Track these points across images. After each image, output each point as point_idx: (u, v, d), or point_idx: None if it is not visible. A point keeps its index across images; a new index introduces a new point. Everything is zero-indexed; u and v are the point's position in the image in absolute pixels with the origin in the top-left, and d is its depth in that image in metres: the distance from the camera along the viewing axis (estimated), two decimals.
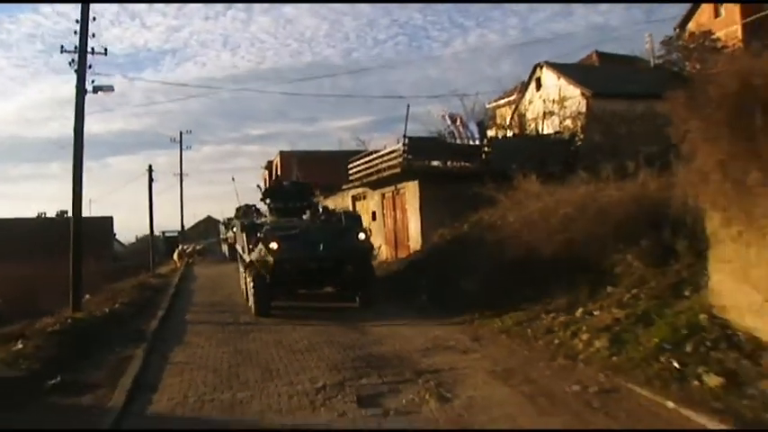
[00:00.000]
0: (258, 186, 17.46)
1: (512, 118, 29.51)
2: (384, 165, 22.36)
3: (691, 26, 35.06)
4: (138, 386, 8.32)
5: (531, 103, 27.72)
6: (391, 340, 10.32)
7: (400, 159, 20.79)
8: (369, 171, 24.12)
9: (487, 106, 34.05)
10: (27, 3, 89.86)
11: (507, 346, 9.46)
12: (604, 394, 6.74)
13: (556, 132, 24.07)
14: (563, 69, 27.19)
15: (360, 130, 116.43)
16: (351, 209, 25.62)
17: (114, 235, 56.72)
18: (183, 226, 48.65)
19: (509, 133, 28.24)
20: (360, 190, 26.16)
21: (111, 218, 53.51)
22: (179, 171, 46.35)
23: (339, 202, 28.16)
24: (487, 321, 11.05)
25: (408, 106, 32.48)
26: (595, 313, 9.66)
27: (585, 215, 12.67)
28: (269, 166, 51.55)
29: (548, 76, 27.34)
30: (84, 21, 15.16)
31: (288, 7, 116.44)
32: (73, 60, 15.14)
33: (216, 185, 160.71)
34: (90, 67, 15.27)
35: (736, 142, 7.49)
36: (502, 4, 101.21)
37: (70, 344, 10.99)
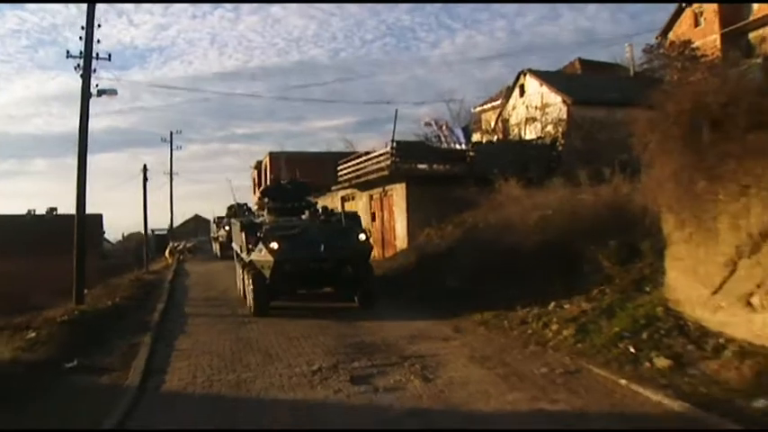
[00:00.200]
0: (255, 185, 17.62)
1: (496, 123, 30.51)
2: (372, 167, 23.26)
3: (671, 35, 36.30)
4: (150, 369, 9.16)
5: (514, 108, 28.73)
6: (380, 331, 11.17)
7: (388, 162, 21.70)
8: (357, 173, 25.02)
9: (473, 111, 35.07)
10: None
11: (485, 335, 10.38)
12: (568, 374, 7.69)
13: (538, 138, 25.10)
14: (545, 77, 28.24)
15: (346, 129, 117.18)
16: (339, 209, 26.47)
17: (104, 233, 57.12)
18: (172, 224, 49.24)
19: (494, 138, 29.26)
20: (348, 191, 27.04)
21: (101, 215, 53.85)
22: (167, 170, 46.82)
23: (328, 202, 28.93)
24: (468, 314, 11.94)
25: (396, 111, 33.36)
26: (566, 306, 10.64)
27: (560, 217, 13.71)
28: (258, 165, 52.27)
29: (531, 83, 28.36)
30: (89, 26, 15.89)
31: (276, 7, 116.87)
32: (78, 65, 15.79)
33: (202, 184, 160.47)
34: (95, 71, 16.00)
35: (688, 155, 8.49)
36: (489, 6, 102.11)
37: (80, 333, 11.81)
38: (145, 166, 33.30)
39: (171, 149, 45.76)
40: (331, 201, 29.13)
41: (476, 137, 29.46)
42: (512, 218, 15.19)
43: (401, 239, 21.70)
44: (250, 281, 13.84)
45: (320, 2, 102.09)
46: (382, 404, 7.05)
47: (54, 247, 41.48)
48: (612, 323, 9.19)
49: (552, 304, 10.93)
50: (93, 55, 16.07)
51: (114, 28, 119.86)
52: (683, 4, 36.40)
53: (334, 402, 7.22)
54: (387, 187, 22.94)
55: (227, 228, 29.06)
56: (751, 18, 33.28)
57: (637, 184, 11.60)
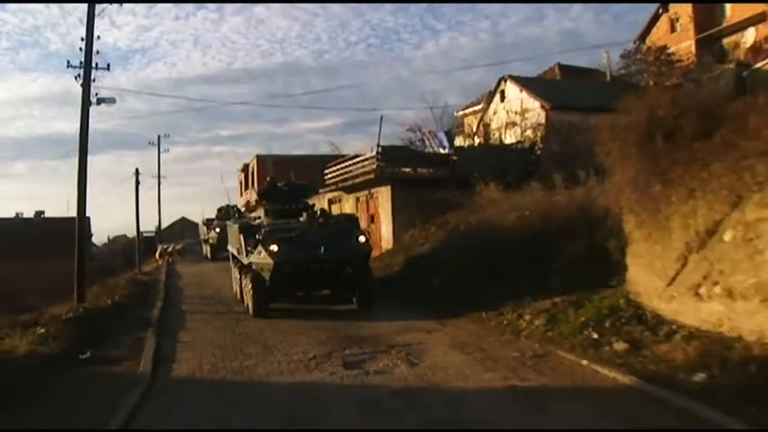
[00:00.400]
0: (252, 188, 18.01)
1: (478, 127, 31.49)
2: (359, 171, 24.14)
3: (648, 41, 37.52)
4: (158, 359, 9.99)
5: (495, 113, 29.70)
6: (369, 325, 12.04)
7: (374, 166, 22.60)
8: (344, 176, 25.88)
9: (456, 115, 36.07)
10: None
11: (465, 327, 11.32)
12: (537, 358, 8.65)
13: (518, 142, 26.09)
14: (525, 83, 29.24)
15: (331, 131, 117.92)
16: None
17: (91, 235, 57.47)
18: (160, 227, 49.81)
19: (476, 141, 30.27)
20: (335, 194, 27.90)
21: (89, 218, 54.30)
22: (153, 172, 47.37)
23: (316, 204, 29.86)
24: (451, 309, 12.82)
25: (381, 118, 34.42)
26: (539, 300, 11.59)
27: (536, 218, 14.67)
28: (245, 168, 53.00)
29: (511, 88, 29.33)
30: (88, 37, 16.69)
31: (259, 7, 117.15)
32: (78, 75, 16.57)
33: (186, 186, 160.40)
34: (94, 80, 16.79)
35: (644, 161, 9.51)
36: (474, 6, 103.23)
37: (87, 329, 12.56)
38: (137, 170, 33.97)
39: (159, 153, 46.37)
40: (318, 203, 29.95)
41: (458, 140, 30.48)
42: (491, 219, 16.16)
43: (387, 240, 22.61)
44: (249, 283, 13.88)
45: (305, 1, 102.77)
46: (372, 384, 7.97)
47: (43, 249, 42.20)
48: (579, 314, 10.16)
49: (527, 298, 11.87)
50: (93, 65, 16.77)
51: (96, 29, 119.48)
52: (660, 10, 37.73)
53: (329, 383, 8.13)
54: (372, 190, 23.85)
55: (217, 230, 29.75)
56: (725, 24, 34.50)
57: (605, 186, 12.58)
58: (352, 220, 16.04)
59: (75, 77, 16.76)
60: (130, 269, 34.50)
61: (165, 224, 59.01)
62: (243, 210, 35.75)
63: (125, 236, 68.69)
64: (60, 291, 23.86)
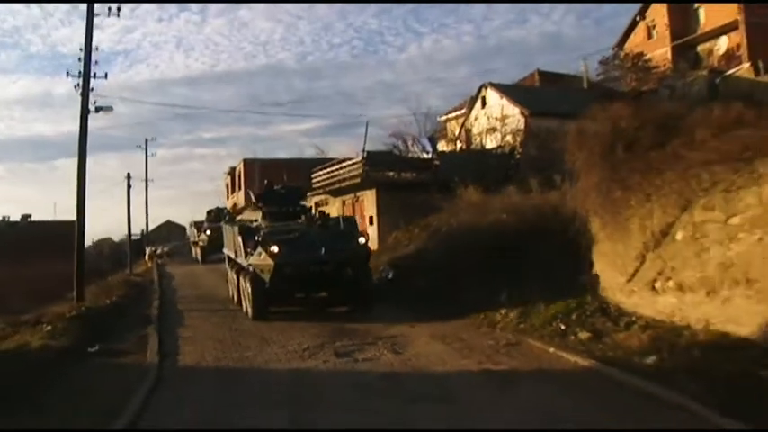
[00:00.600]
0: (249, 192, 18.11)
1: (459, 132, 32.52)
2: (345, 175, 25.09)
3: (626, 47, 38.75)
4: (163, 352, 10.79)
5: (476, 119, 30.74)
6: (357, 321, 12.89)
7: (360, 171, 23.56)
8: (331, 180, 26.82)
9: (439, 119, 37.07)
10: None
11: (445, 321, 12.21)
12: (509, 346, 9.64)
13: (498, 147, 27.13)
14: (505, 90, 30.33)
15: (315, 134, 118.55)
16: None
17: None
18: (147, 229, 50.35)
19: (457, 146, 31.31)
20: (322, 197, 28.78)
21: (75, 222, 54.72)
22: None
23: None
24: (433, 306, 13.75)
25: (367, 124, 35.38)
26: (513, 295, 12.56)
27: (512, 220, 15.62)
28: (232, 171, 53.75)
29: (492, 95, 30.39)
30: (87, 48, 17.47)
31: (243, 10, 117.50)
32: (78, 85, 17.34)
33: (169, 189, 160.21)
34: (92, 89, 17.56)
35: (606, 169, 10.52)
36: (457, 8, 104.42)
37: (91, 325, 13.38)
38: (129, 174, 34.61)
39: (146, 156, 46.65)
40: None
41: (441, 144, 31.49)
42: (471, 221, 17.09)
43: (372, 242, 23.48)
44: (249, 285, 13.92)
45: (290, 2, 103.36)
46: (361, 370, 8.91)
47: (29, 253, 42.69)
48: (550, 308, 11.14)
49: (503, 294, 12.82)
50: (92, 74, 17.55)
51: (77, 31, 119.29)
52: (637, 18, 38.97)
53: (323, 369, 9.05)
54: (358, 193, 24.79)
55: (208, 232, 30.29)
56: (699, 32, 35.80)
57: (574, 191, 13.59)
58: (351, 221, 16.02)
59: (75, 86, 17.47)
60: (118, 271, 35.22)
61: (150, 227, 59.60)
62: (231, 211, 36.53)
63: (110, 239, 69.22)
64: (48, 293, 24.47)
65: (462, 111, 34.47)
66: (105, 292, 19.76)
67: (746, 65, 30.61)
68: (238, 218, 22.04)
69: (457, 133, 33.19)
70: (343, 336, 11.26)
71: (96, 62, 17.66)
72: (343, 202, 26.65)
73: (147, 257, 36.46)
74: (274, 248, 13.16)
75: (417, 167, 24.82)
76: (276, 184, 16.94)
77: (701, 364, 7.56)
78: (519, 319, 11.08)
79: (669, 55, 36.41)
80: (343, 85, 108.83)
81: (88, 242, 67.58)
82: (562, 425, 6.21)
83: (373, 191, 23.39)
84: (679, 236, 9.44)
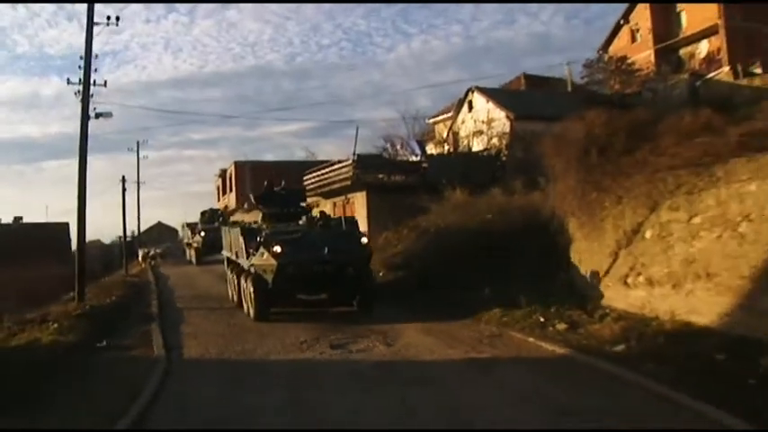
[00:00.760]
0: (249, 195, 17.90)
1: (447, 135, 33.32)
2: (336, 177, 25.85)
3: (611, 50, 39.67)
4: (168, 346, 11.42)
5: (463, 122, 31.56)
6: (349, 316, 13.62)
7: (351, 173, 24.31)
8: (322, 182, 27.53)
9: (427, 122, 37.86)
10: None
11: (433, 315, 12.94)
12: (493, 337, 10.43)
13: (484, 149, 27.97)
14: (491, 93, 31.17)
15: (302, 134, 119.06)
16: None
17: (70, 240, 58.19)
18: (139, 231, 50.96)
19: (445, 148, 32.12)
20: (314, 199, 29.41)
21: (67, 224, 55.07)
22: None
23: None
24: (422, 302, 14.50)
25: (357, 128, 35.94)
26: (498, 291, 13.32)
27: (497, 221, 16.43)
28: (223, 174, 54.38)
29: (478, 99, 31.20)
30: (87, 55, 18.07)
31: (231, 11, 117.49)
32: (78, 91, 17.95)
33: (158, 191, 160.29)
34: (92, 96, 18.17)
35: (582, 172, 11.32)
36: (446, 8, 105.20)
37: (96, 323, 13.94)
38: (123, 177, 35.15)
39: (138, 159, 47.15)
40: None
41: (429, 147, 32.27)
42: (458, 222, 17.91)
43: None
44: (251, 286, 13.94)
45: (277, 1, 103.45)
46: (355, 359, 9.65)
47: (22, 255, 43.09)
48: (531, 302, 11.91)
49: (487, 290, 13.58)
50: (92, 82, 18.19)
51: (65, 32, 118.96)
52: (621, 22, 39.91)
53: (320, 359, 9.78)
54: (349, 195, 25.55)
55: (202, 234, 30.64)
56: (681, 36, 36.76)
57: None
58: (352, 222, 15.87)
59: (75, 93, 18.06)
60: (109, 274, 35.72)
61: (141, 228, 60.03)
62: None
63: (99, 241, 69.54)
64: (42, 295, 24.90)
65: (450, 114, 35.23)
66: (104, 292, 20.31)
67: (726, 68, 31.39)
68: (231, 219, 22.57)
69: (445, 136, 33.99)
70: (336, 330, 11.95)
71: (96, 70, 18.26)
72: (334, 204, 27.36)
73: (140, 259, 36.90)
74: (277, 248, 13.15)
75: (406, 170, 25.60)
76: (276, 186, 16.90)
77: (665, 350, 8.38)
78: (502, 313, 11.83)
79: (652, 58, 37.30)
80: (332, 86, 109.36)
81: (74, 245, 68.03)
82: (537, 402, 6.96)
83: (363, 193, 24.13)
84: (648, 234, 10.28)
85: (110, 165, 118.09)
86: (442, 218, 19.29)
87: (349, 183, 24.42)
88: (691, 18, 35.95)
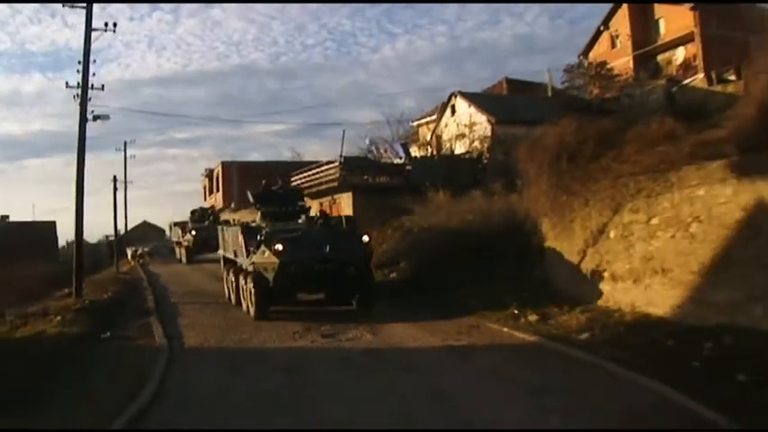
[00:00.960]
0: (249, 193, 17.92)
1: (431, 138, 34.27)
2: (323, 178, 26.75)
3: (591, 56, 40.73)
4: (168, 336, 12.20)
5: (446, 126, 32.52)
6: (337, 309, 14.43)
7: (337, 175, 25.22)
8: (310, 183, 28.37)
9: (411, 125, 38.76)
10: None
11: (416, 309, 13.89)
12: (471, 327, 11.39)
13: (466, 152, 28.95)
14: (473, 98, 32.18)
15: (286, 134, 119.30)
16: None
17: (57, 239, 58.55)
18: (126, 230, 51.35)
19: (429, 149, 33.07)
20: None
21: (54, 222, 55.58)
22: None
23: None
24: (407, 297, 15.40)
25: (344, 132, 36.86)
26: (478, 286, 14.27)
27: (477, 221, 17.38)
28: (209, 174, 55.01)
29: (461, 103, 32.18)
30: (85, 59, 18.76)
31: (216, 9, 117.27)
32: (77, 95, 18.64)
33: (145, 190, 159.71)
34: (90, 99, 18.87)
35: (554, 177, 12.29)
36: (431, 8, 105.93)
37: (97, 316, 14.66)
38: (114, 177, 35.65)
39: (125, 158, 47.40)
40: None
41: (413, 149, 33.20)
42: (440, 223, 18.85)
43: None
44: (251, 285, 13.87)
45: (263, 1, 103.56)
46: (345, 347, 10.57)
47: (9, 253, 43.42)
48: (506, 297, 12.86)
49: (468, 286, 14.50)
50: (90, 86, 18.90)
51: (48, 29, 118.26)
52: (601, 28, 40.99)
53: (312, 347, 10.68)
54: (335, 196, 26.45)
55: (193, 233, 31.16)
56: (659, 42, 37.86)
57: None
58: (352, 221, 16.01)
59: (74, 96, 18.74)
60: (98, 271, 36.17)
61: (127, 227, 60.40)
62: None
63: (85, 240, 69.79)
64: (31, 292, 25.34)
65: (433, 117, 36.15)
66: (99, 288, 20.97)
67: (701, 75, 32.47)
68: (225, 218, 23.20)
69: (428, 139, 34.93)
70: (326, 321, 12.79)
71: (94, 74, 18.94)
72: (321, 204, 28.17)
73: (129, 257, 37.45)
74: (279, 246, 13.10)
75: (391, 172, 26.58)
76: (273, 185, 17.07)
77: (624, 337, 9.40)
78: (480, 307, 12.77)
79: (631, 64, 38.30)
80: (316, 86, 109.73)
81: (63, 243, 68.33)
82: (510, 382, 7.89)
83: (349, 194, 25.05)
84: (612, 234, 11.28)
85: (95, 164, 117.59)
86: (425, 219, 20.21)
87: (336, 184, 25.35)
88: (669, 25, 36.91)
